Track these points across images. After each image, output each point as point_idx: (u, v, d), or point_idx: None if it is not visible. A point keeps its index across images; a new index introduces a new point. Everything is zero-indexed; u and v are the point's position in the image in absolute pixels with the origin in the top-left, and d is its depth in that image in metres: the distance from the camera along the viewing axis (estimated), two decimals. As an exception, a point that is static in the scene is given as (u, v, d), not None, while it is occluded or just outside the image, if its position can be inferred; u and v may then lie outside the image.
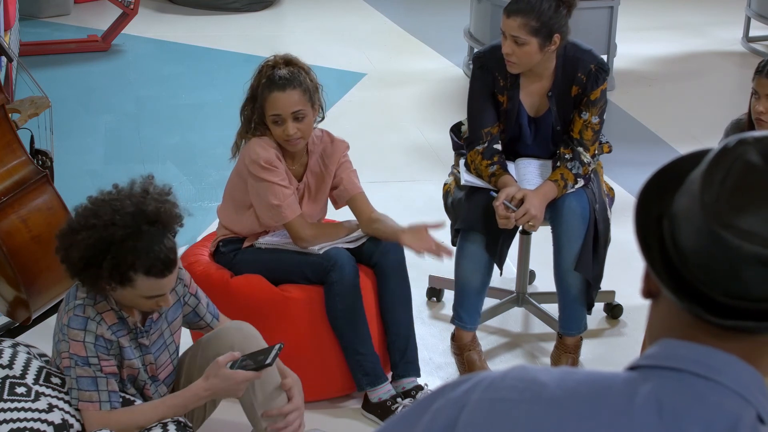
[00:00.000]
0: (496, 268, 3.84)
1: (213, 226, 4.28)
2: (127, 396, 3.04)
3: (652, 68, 7.43)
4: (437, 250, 3.57)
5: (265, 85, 3.57)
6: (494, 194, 3.75)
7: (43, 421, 2.89)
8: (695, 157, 1.26)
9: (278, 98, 3.54)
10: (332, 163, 3.73)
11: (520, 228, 3.89)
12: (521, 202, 3.69)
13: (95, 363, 2.95)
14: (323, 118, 3.73)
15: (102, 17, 7.93)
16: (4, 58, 5.08)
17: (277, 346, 3.04)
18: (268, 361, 2.99)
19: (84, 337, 2.94)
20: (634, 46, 7.65)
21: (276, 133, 3.58)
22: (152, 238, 2.87)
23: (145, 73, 7.13)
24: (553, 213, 3.79)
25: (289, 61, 3.63)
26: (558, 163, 3.82)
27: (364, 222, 3.73)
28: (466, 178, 3.86)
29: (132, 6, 7.35)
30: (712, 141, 4.84)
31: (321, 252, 3.63)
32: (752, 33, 7.84)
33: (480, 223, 3.76)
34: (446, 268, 4.45)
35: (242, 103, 3.67)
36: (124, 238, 2.84)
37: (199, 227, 4.66)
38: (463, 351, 3.88)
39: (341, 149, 3.75)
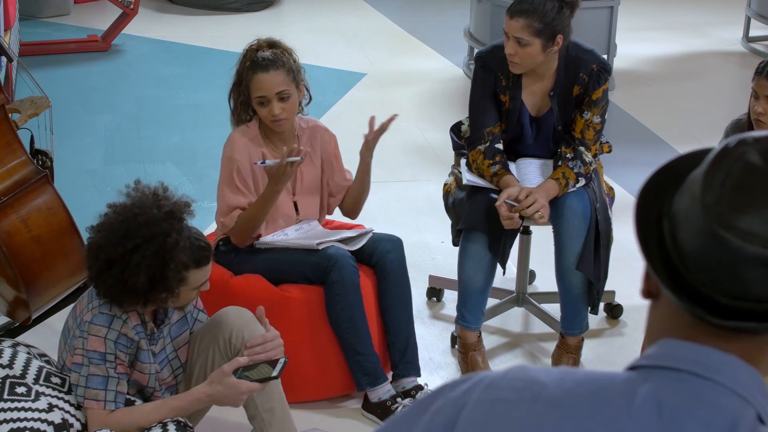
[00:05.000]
0: (498, 267, 3.84)
1: (213, 226, 4.28)
2: (128, 396, 3.05)
3: (652, 68, 7.43)
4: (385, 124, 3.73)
5: (249, 67, 3.62)
6: (494, 196, 3.74)
7: (43, 421, 2.89)
8: (695, 157, 1.26)
9: (262, 79, 3.59)
10: (325, 152, 3.80)
11: (521, 228, 3.89)
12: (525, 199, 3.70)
13: (111, 360, 2.95)
14: (311, 99, 3.79)
15: (102, 17, 7.93)
16: (4, 58, 5.08)
17: (282, 360, 3.05)
18: (273, 374, 3.00)
19: (106, 334, 2.95)
20: (634, 46, 7.65)
21: (262, 114, 3.63)
22: (188, 232, 2.98)
23: (145, 73, 7.13)
24: (555, 212, 3.79)
25: (272, 44, 3.69)
26: (559, 162, 3.82)
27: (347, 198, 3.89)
28: (468, 177, 3.86)
29: (132, 6, 7.35)
30: (712, 141, 4.83)
31: (319, 248, 3.63)
32: (752, 33, 7.84)
33: (482, 222, 3.76)
34: (447, 269, 4.46)
35: (229, 89, 3.73)
36: (174, 243, 2.90)
37: (199, 227, 4.65)
38: (468, 351, 3.88)
39: (333, 139, 3.84)
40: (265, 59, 3.61)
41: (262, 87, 3.59)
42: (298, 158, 3.48)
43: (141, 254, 2.88)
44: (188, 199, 3.05)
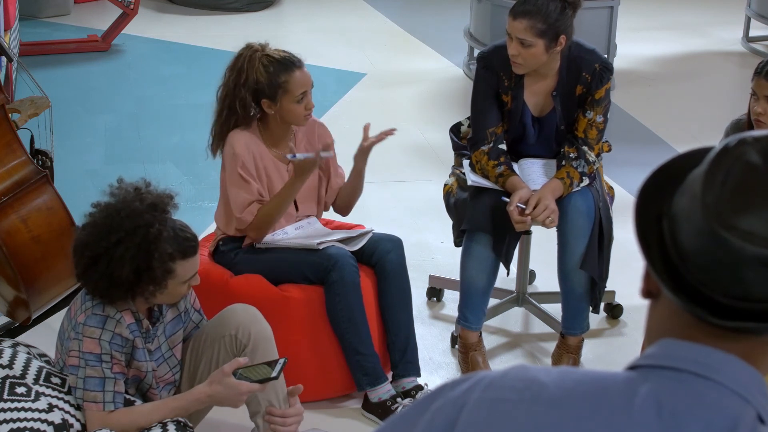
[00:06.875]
0: (501, 268, 3.84)
1: (213, 227, 4.28)
2: (127, 396, 3.05)
3: (652, 68, 7.43)
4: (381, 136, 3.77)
5: (278, 71, 3.60)
6: (505, 199, 3.72)
7: (43, 421, 2.89)
8: (694, 156, 1.26)
9: (301, 76, 3.64)
10: (322, 145, 3.78)
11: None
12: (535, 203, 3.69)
13: (107, 361, 2.95)
14: None
15: (102, 17, 7.93)
16: (4, 58, 5.07)
17: (282, 360, 3.05)
18: (273, 374, 3.00)
19: (101, 335, 2.95)
20: (634, 46, 7.64)
21: (298, 112, 3.63)
22: (172, 224, 2.97)
23: (145, 73, 7.13)
24: (559, 212, 3.78)
25: (265, 46, 3.68)
26: (563, 162, 3.82)
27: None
28: (473, 178, 3.85)
29: (132, 6, 7.35)
30: (712, 141, 4.82)
31: (320, 247, 3.63)
32: (752, 33, 7.84)
33: (487, 223, 3.76)
34: (447, 269, 4.46)
35: (235, 99, 3.71)
36: (158, 233, 2.91)
37: (198, 227, 4.66)
38: (468, 351, 3.88)
39: (329, 132, 3.83)
40: (292, 57, 3.64)
41: (303, 82, 3.63)
42: (330, 153, 3.63)
43: (125, 246, 2.88)
44: (171, 192, 3.05)
